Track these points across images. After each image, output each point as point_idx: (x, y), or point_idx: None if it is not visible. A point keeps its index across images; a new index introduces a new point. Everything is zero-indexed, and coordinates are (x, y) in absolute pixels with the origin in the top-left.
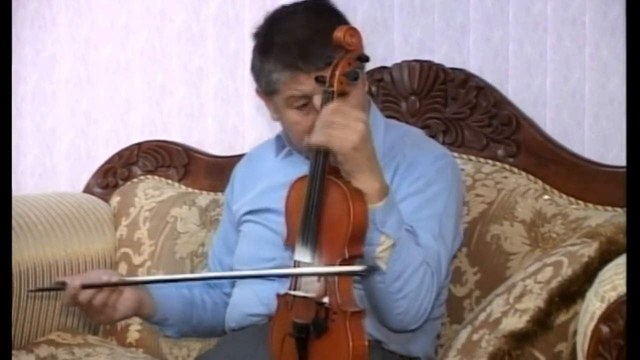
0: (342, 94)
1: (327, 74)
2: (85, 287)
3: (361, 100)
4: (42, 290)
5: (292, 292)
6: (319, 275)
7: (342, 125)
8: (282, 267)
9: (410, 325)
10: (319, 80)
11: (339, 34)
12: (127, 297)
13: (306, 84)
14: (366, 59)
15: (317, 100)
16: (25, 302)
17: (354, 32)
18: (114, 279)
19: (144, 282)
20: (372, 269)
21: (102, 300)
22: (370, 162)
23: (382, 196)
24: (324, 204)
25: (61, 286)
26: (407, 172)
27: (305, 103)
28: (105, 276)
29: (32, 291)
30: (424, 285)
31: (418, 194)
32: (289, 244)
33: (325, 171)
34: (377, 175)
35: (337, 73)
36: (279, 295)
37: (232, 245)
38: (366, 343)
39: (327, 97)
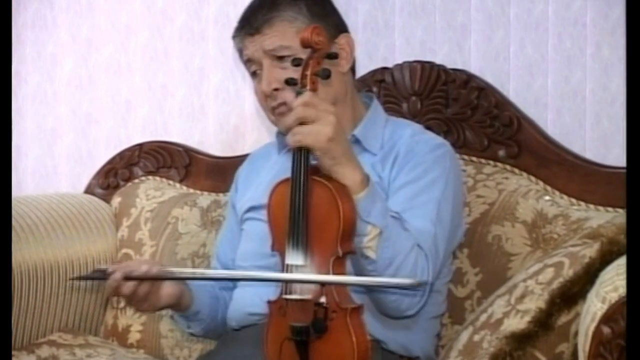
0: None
1: (297, 75)
2: (126, 278)
3: (330, 94)
4: (82, 278)
5: (287, 297)
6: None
7: (313, 119)
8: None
9: (407, 310)
10: (289, 82)
11: (305, 34)
12: (169, 289)
13: (249, 47)
14: (335, 56)
15: (288, 96)
16: (26, 303)
17: (320, 30)
18: (154, 269)
19: (183, 278)
20: (420, 284)
21: (145, 290)
22: (348, 154)
23: (364, 186)
24: (310, 205)
25: (101, 275)
26: (405, 160)
27: (254, 70)
28: (145, 266)
29: (72, 279)
30: (417, 269)
31: (416, 181)
32: (276, 248)
33: (307, 172)
34: (355, 166)
35: (309, 73)
36: (270, 302)
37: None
38: (369, 338)
39: None
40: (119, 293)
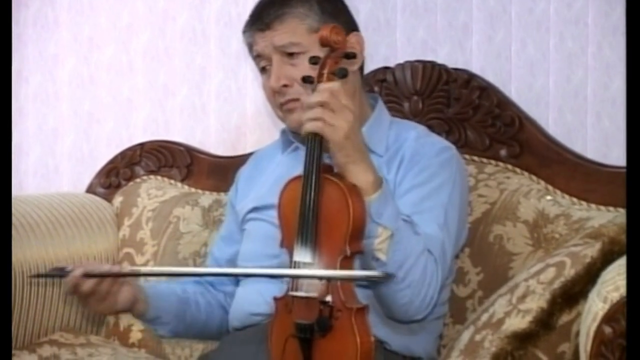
0: None
1: (314, 73)
2: (87, 276)
3: (348, 94)
4: (41, 276)
5: (293, 293)
6: (329, 278)
7: (335, 109)
8: (286, 264)
9: (416, 315)
10: (306, 80)
11: (324, 32)
12: (127, 290)
13: (259, 43)
14: (353, 56)
15: (302, 93)
16: (28, 302)
17: (339, 30)
18: (115, 269)
19: (146, 274)
20: (388, 276)
21: (105, 289)
22: (362, 154)
23: (377, 188)
24: (321, 203)
25: (61, 272)
26: (411, 163)
27: (264, 66)
28: (106, 266)
29: (31, 277)
30: (427, 273)
31: (423, 185)
32: (285, 245)
33: (320, 170)
34: (369, 167)
35: (325, 72)
36: (276, 299)
37: (235, 247)
38: (372, 339)
39: None
40: (78, 290)
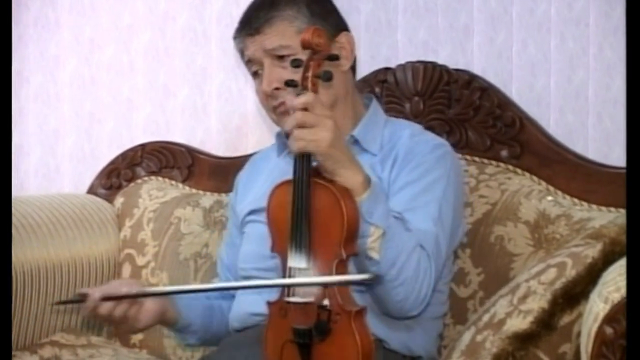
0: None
1: (297, 76)
2: (104, 299)
3: (331, 96)
4: (65, 302)
5: (289, 299)
6: (325, 284)
7: (312, 123)
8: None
9: (411, 311)
10: (289, 84)
11: (305, 35)
12: (149, 308)
13: (250, 47)
14: (336, 58)
15: (288, 97)
16: (29, 303)
17: (321, 32)
18: (134, 290)
19: (163, 293)
20: (376, 278)
21: (121, 312)
22: (349, 156)
23: (366, 187)
24: (313, 208)
25: (83, 298)
26: (405, 161)
27: (255, 70)
28: (124, 287)
29: (55, 304)
30: (420, 269)
31: (417, 181)
32: (276, 250)
33: (310, 175)
34: (357, 168)
35: (309, 75)
36: (270, 303)
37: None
38: (372, 338)
39: None
40: (97, 314)
